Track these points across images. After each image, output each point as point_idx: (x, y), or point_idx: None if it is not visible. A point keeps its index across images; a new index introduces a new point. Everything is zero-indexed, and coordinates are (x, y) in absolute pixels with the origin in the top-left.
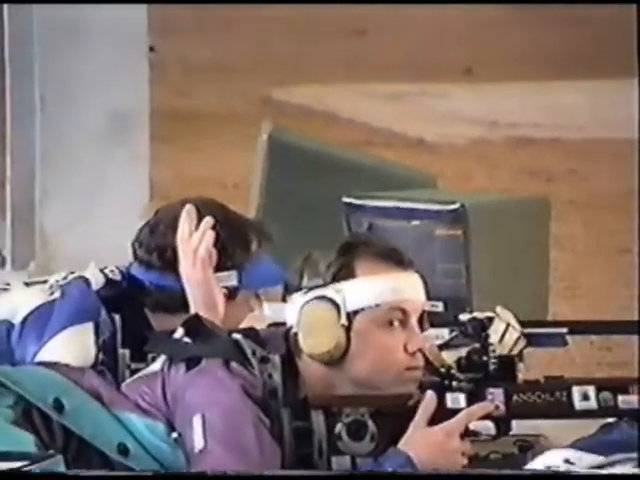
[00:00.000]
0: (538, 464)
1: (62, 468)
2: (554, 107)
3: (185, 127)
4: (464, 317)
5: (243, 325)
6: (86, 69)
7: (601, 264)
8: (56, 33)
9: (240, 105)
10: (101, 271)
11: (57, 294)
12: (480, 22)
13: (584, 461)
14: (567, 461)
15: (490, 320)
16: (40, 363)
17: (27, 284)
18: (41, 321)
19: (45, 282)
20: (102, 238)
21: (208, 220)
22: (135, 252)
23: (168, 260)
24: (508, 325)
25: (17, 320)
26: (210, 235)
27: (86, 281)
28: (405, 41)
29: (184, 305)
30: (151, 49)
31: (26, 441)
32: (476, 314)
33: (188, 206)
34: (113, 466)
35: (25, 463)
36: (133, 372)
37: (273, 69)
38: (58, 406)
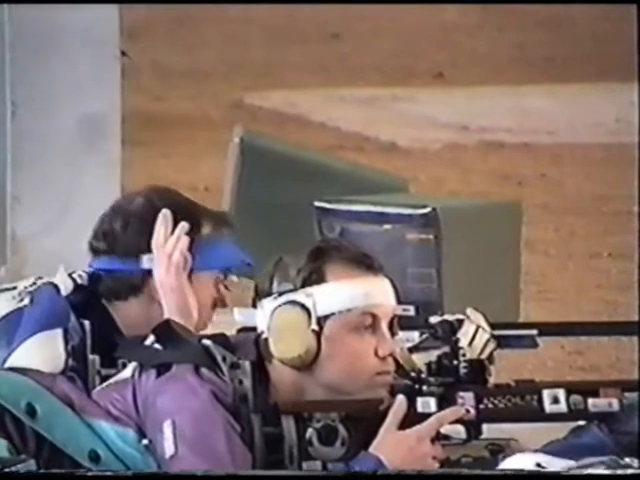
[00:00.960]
0: (509, 470)
1: None
2: (525, 111)
3: (157, 131)
4: (434, 320)
5: (209, 323)
6: (57, 74)
7: (572, 268)
8: (28, 37)
9: (212, 109)
10: (70, 276)
11: (26, 300)
12: (451, 27)
13: (555, 465)
14: (538, 465)
15: (460, 322)
16: (11, 368)
17: None
18: (10, 328)
19: (14, 289)
20: (74, 243)
21: (183, 225)
22: (100, 248)
23: (116, 244)
24: (478, 327)
25: None
26: (184, 240)
27: (55, 287)
28: (377, 45)
29: (133, 289)
30: (123, 53)
31: None
32: (446, 316)
33: (164, 211)
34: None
35: None
36: (103, 378)
37: (245, 73)
38: (30, 411)
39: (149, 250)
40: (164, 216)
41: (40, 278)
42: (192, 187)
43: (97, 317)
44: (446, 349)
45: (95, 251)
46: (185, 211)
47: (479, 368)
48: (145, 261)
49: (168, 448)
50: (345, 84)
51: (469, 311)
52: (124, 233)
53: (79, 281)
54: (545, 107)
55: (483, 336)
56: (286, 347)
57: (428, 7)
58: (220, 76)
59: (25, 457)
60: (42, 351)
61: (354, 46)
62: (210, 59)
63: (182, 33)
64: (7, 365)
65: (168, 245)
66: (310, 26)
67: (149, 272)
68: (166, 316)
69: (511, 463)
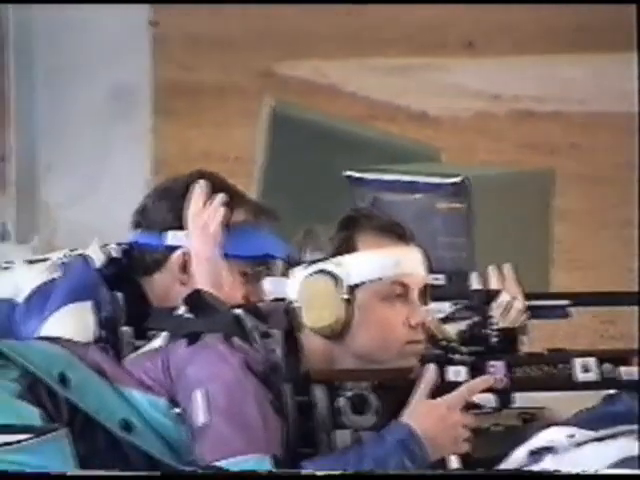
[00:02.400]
0: (540, 440)
1: (67, 442)
2: (555, 80)
3: (188, 101)
4: (472, 286)
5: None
6: (88, 44)
7: (604, 237)
8: (58, 8)
9: (243, 79)
10: (103, 249)
11: (59, 272)
12: None
13: (586, 436)
14: (570, 436)
15: (496, 293)
16: (45, 338)
17: (30, 262)
18: (42, 299)
19: (47, 260)
20: (105, 212)
21: (221, 197)
22: (137, 221)
23: (146, 218)
24: (513, 298)
25: (20, 299)
26: (222, 212)
27: (87, 259)
28: (408, 15)
29: (157, 265)
30: (153, 24)
31: (32, 414)
32: (484, 283)
33: (201, 182)
34: (117, 441)
35: (30, 436)
36: (136, 349)
37: (276, 43)
38: (63, 380)
39: (175, 227)
40: (201, 187)
41: (73, 250)
42: (223, 156)
43: (129, 289)
44: (478, 318)
45: (132, 225)
46: (238, 200)
47: (510, 337)
48: (170, 237)
49: (200, 416)
50: (376, 54)
51: (506, 268)
52: (155, 208)
53: (113, 254)
54: (575, 76)
55: (518, 307)
56: (317, 316)
57: None
58: (250, 46)
59: (58, 426)
60: (72, 322)
61: (385, 16)
62: (240, 29)
63: (212, 3)
64: (38, 335)
65: (205, 215)
66: None
67: (173, 249)
68: (198, 286)
69: (542, 436)
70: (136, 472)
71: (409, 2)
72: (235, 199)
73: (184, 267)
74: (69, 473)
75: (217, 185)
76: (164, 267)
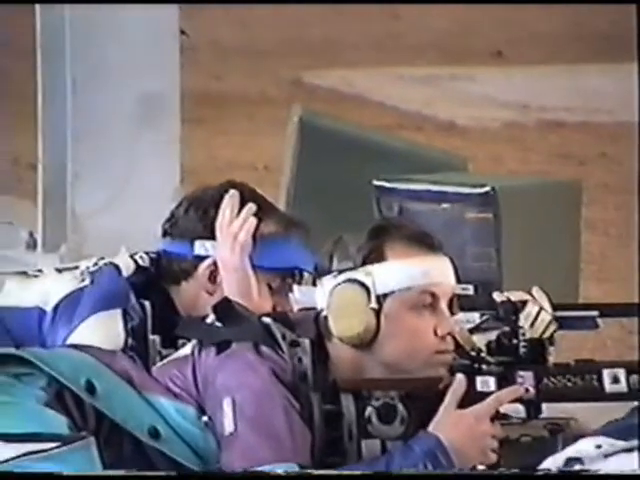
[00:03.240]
0: (570, 452)
1: (94, 450)
2: (584, 90)
3: (216, 110)
4: (497, 299)
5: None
6: (118, 52)
7: (633, 248)
8: (88, 15)
9: (271, 88)
10: (131, 257)
11: (87, 280)
12: (510, 5)
13: (615, 446)
14: (598, 447)
15: (523, 303)
16: (72, 345)
17: (59, 270)
18: (71, 307)
19: (76, 268)
20: (133, 220)
21: (251, 207)
22: (166, 230)
23: (176, 227)
24: (541, 308)
25: (49, 307)
26: (252, 222)
27: (116, 267)
28: (436, 24)
29: (184, 274)
30: (182, 32)
31: (59, 423)
32: (510, 296)
33: (232, 191)
34: (145, 449)
35: (57, 444)
36: (163, 358)
37: (304, 52)
38: (90, 388)
39: (205, 237)
40: (231, 197)
41: (102, 258)
42: (251, 166)
43: (157, 298)
44: (506, 328)
45: (161, 233)
46: (268, 213)
47: (539, 347)
48: (197, 247)
49: (228, 425)
50: (403, 63)
51: (535, 290)
52: (185, 218)
53: (140, 262)
54: (604, 86)
55: (545, 317)
56: (345, 325)
57: None
58: (278, 55)
59: (85, 434)
60: (101, 330)
61: (412, 24)
62: (268, 38)
63: (240, 11)
64: (67, 343)
65: (234, 224)
66: (369, 4)
67: (201, 258)
68: (227, 295)
69: (572, 448)
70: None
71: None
72: (265, 210)
73: (212, 277)
74: (70, 473)
75: (247, 196)
76: (192, 277)
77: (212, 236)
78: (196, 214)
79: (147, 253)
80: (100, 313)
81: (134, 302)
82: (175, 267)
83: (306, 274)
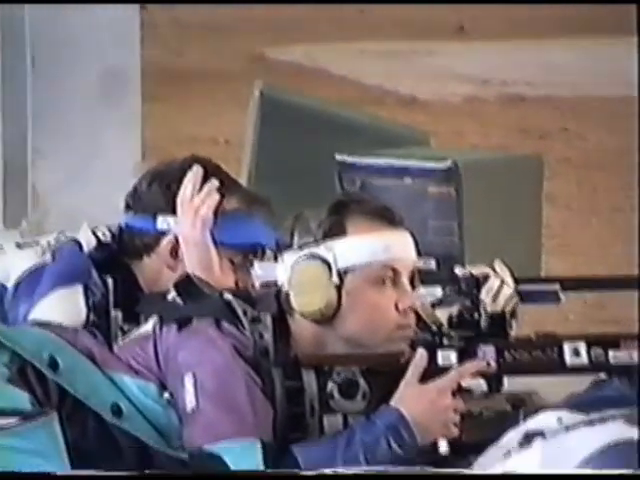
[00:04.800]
0: (530, 425)
1: (57, 426)
2: (546, 65)
3: (177, 86)
4: (459, 273)
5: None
6: (77, 28)
7: (595, 222)
8: None
9: (232, 63)
10: (93, 232)
11: (48, 256)
12: None
13: (576, 420)
14: (560, 420)
15: (485, 277)
16: (34, 323)
17: (19, 245)
18: (32, 283)
19: (37, 243)
20: (94, 196)
21: (213, 182)
22: (128, 204)
23: (138, 202)
24: (502, 282)
25: (10, 283)
26: (214, 198)
27: (77, 243)
28: None
29: (147, 249)
30: (143, 7)
31: (21, 398)
32: (472, 270)
33: (196, 167)
34: (107, 425)
35: (20, 420)
36: (125, 333)
37: (266, 27)
38: (53, 364)
39: (167, 211)
40: (194, 172)
41: (62, 232)
42: (213, 140)
43: (119, 273)
44: (468, 303)
45: (124, 208)
46: (231, 188)
47: (500, 321)
48: (160, 222)
49: (189, 401)
50: (366, 38)
51: (496, 264)
52: (147, 192)
53: (102, 238)
54: (566, 60)
55: (507, 291)
56: (307, 300)
57: None
58: (240, 31)
59: (47, 410)
60: (62, 306)
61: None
62: (230, 13)
63: None
64: (29, 319)
65: (196, 199)
66: None
67: (163, 233)
68: (188, 271)
69: (533, 421)
70: (128, 471)
71: None
72: (228, 186)
73: (174, 252)
74: (68, 473)
75: (211, 171)
76: (154, 252)
77: (174, 211)
78: (159, 188)
79: (109, 228)
80: (61, 289)
81: (96, 277)
82: (137, 242)
83: (268, 251)
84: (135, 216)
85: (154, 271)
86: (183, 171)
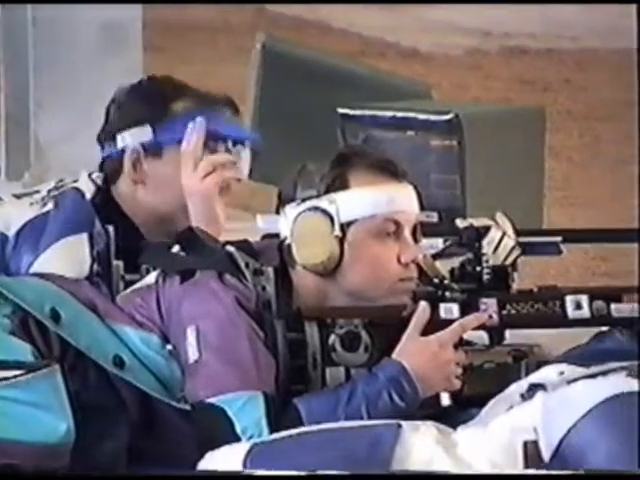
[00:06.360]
0: (533, 378)
1: (59, 378)
2: (548, 17)
3: (178, 38)
4: (461, 225)
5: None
6: None
7: (597, 174)
8: None
9: (234, 16)
10: (89, 177)
11: (50, 205)
12: None
13: (578, 373)
14: (561, 373)
15: (486, 229)
16: (36, 274)
17: (17, 196)
18: (35, 233)
19: (36, 192)
20: (96, 149)
21: (200, 122)
22: (99, 140)
23: (102, 130)
24: (504, 234)
25: (11, 232)
26: (199, 138)
27: (79, 192)
28: None
29: (117, 173)
30: None
31: (23, 350)
32: (473, 222)
33: (199, 119)
34: (109, 378)
35: (22, 372)
36: (127, 283)
37: None
38: (54, 316)
39: (122, 129)
40: (199, 124)
41: (61, 181)
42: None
43: (117, 220)
44: (470, 255)
45: (99, 146)
46: (183, 91)
47: (502, 274)
48: (119, 141)
49: (192, 353)
50: None
51: (498, 216)
52: (106, 120)
53: (98, 182)
54: (568, 12)
55: (508, 243)
56: (309, 253)
57: None
58: None
59: (49, 362)
60: (68, 256)
61: None
62: None
63: None
64: (32, 270)
65: (198, 152)
66: None
67: (123, 151)
68: (192, 224)
69: (535, 374)
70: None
71: None
72: (194, 96)
73: (137, 164)
74: (67, 473)
75: (163, 81)
76: (122, 173)
77: (129, 126)
78: (115, 111)
79: (103, 173)
80: (67, 238)
81: (99, 226)
82: (110, 171)
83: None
84: (104, 148)
85: (129, 193)
86: (132, 88)
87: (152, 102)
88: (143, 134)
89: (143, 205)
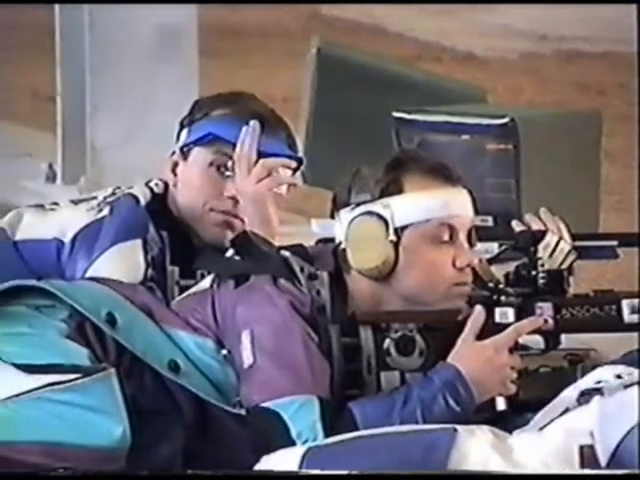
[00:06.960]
0: (589, 381)
1: (115, 382)
2: (604, 20)
3: (234, 42)
4: (516, 228)
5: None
6: None
7: None
8: None
9: (289, 20)
10: (146, 185)
11: (106, 211)
12: None
13: (634, 376)
14: (618, 377)
15: (542, 233)
16: (92, 278)
17: (74, 202)
18: (91, 238)
19: (93, 198)
20: (152, 153)
21: (254, 125)
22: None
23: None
24: (560, 238)
25: (67, 238)
26: (253, 141)
27: (134, 198)
28: None
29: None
30: None
31: (80, 354)
32: (529, 226)
33: (253, 122)
34: (165, 382)
35: (79, 375)
36: (182, 289)
37: None
38: (111, 320)
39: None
40: (253, 127)
41: (118, 188)
42: (270, 97)
43: (172, 227)
44: (525, 259)
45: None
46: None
47: (558, 278)
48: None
49: (246, 358)
50: None
51: (542, 212)
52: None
53: (155, 190)
54: (624, 16)
55: (564, 247)
56: (364, 257)
57: None
58: None
59: (106, 365)
60: (122, 262)
61: None
62: None
63: None
64: (87, 275)
65: (253, 155)
66: None
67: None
68: (247, 227)
69: (590, 377)
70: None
71: None
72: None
73: (174, 168)
74: (68, 474)
75: (253, 105)
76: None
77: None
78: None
79: (162, 180)
80: (121, 244)
81: (153, 232)
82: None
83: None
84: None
85: (174, 200)
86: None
87: (199, 107)
88: (183, 138)
89: (179, 209)
